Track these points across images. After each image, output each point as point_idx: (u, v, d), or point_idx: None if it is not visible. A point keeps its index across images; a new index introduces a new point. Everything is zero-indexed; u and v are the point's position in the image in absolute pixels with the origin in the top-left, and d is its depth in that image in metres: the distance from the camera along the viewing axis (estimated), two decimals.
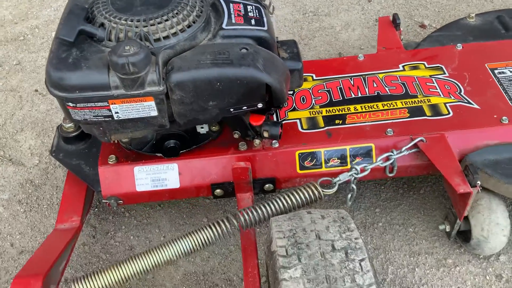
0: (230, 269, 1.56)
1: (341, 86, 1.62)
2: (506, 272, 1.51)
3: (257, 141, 1.38)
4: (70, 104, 1.17)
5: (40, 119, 2.09)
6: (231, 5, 1.33)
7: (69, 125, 1.54)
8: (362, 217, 1.67)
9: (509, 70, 1.63)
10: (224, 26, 1.27)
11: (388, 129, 1.47)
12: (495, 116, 1.49)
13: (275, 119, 1.52)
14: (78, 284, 1.17)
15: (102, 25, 1.20)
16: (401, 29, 1.90)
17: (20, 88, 2.24)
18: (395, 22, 1.86)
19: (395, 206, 1.70)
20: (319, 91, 1.62)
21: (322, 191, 1.33)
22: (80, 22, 1.17)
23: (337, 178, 1.36)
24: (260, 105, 1.23)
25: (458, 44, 1.74)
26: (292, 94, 1.61)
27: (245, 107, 1.23)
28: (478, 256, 1.54)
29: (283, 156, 1.45)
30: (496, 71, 1.63)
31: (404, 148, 1.42)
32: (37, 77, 2.27)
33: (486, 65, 1.65)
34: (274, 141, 1.45)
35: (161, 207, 1.72)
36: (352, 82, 1.64)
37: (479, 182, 1.34)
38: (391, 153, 1.41)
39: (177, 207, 1.72)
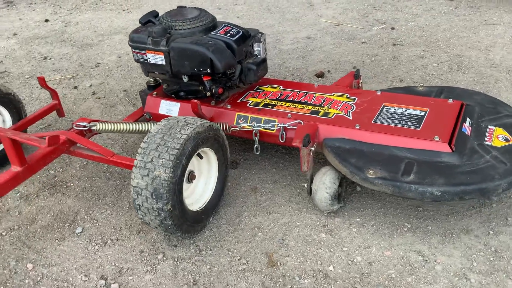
0: None
1: (290, 94, 2.63)
2: (331, 225, 2.23)
3: (208, 93, 2.52)
4: (132, 49, 2.55)
5: None
6: (225, 26, 2.56)
7: (151, 79, 2.93)
8: (276, 178, 2.57)
9: (393, 108, 2.39)
10: (212, 33, 2.50)
11: (289, 114, 2.43)
12: (355, 124, 2.29)
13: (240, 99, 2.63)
14: (97, 125, 2.49)
15: (159, 20, 2.57)
16: (360, 80, 2.79)
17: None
18: (356, 74, 2.78)
19: (299, 179, 2.55)
20: (276, 94, 2.66)
21: (231, 126, 2.40)
22: (150, 16, 2.57)
23: (241, 124, 2.39)
24: (208, 70, 2.39)
25: (378, 91, 2.56)
26: (262, 91, 2.69)
27: (201, 69, 2.41)
28: (324, 213, 2.29)
29: (229, 113, 2.53)
30: (385, 107, 2.41)
31: (287, 123, 2.35)
32: None
33: (383, 103, 2.45)
34: (228, 105, 2.56)
35: None
36: (297, 94, 2.63)
37: (312, 148, 2.20)
38: (278, 123, 2.36)
39: None
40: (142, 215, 2.02)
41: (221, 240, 2.20)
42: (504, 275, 1.92)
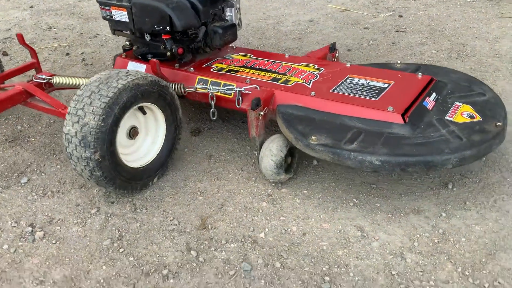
0: None
1: (257, 62, 2.53)
2: (275, 195, 2.11)
3: (168, 53, 2.44)
4: (100, 6, 2.51)
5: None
6: None
7: (127, 42, 2.88)
8: (235, 147, 2.47)
9: (357, 79, 2.25)
10: None
11: (248, 80, 2.32)
12: (311, 92, 2.17)
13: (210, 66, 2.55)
14: (55, 78, 2.46)
15: None
16: (336, 54, 2.65)
17: None
18: (332, 47, 2.64)
19: (251, 149, 2.43)
20: (244, 61, 2.56)
21: (187, 88, 2.32)
22: None
23: (196, 86, 2.31)
24: (167, 28, 2.32)
25: (348, 63, 2.42)
26: (231, 58, 2.60)
27: (161, 27, 2.34)
28: (272, 184, 2.17)
29: (191, 76, 2.45)
30: (349, 78, 2.27)
31: (243, 87, 2.25)
32: None
33: (348, 74, 2.30)
34: (192, 68, 2.48)
35: None
36: (265, 63, 2.52)
37: (261, 112, 2.09)
38: (235, 87, 2.26)
39: None
40: (74, 165, 1.97)
41: (160, 201, 2.12)
42: (445, 258, 1.75)
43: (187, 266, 1.78)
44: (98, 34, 4.22)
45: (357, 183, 2.15)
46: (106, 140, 1.90)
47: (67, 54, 3.80)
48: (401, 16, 4.22)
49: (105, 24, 4.44)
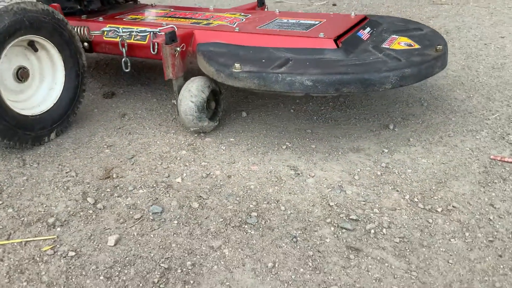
0: None
1: (177, 13, 2.26)
2: (197, 144, 1.81)
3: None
4: None
5: None
6: None
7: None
8: (154, 107, 2.17)
9: (286, 20, 2.04)
10: None
11: (164, 23, 2.05)
12: (234, 29, 1.92)
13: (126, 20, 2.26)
14: None
15: None
16: (265, 7, 2.46)
17: None
18: (261, 1, 2.44)
19: (173, 108, 2.14)
20: (162, 13, 2.29)
21: (92, 32, 2.00)
22: None
23: (103, 30, 2.00)
24: None
25: (277, 10, 2.21)
26: (149, 12, 2.32)
27: None
28: (194, 135, 1.88)
29: (100, 25, 2.14)
30: (277, 19, 2.05)
31: (159, 28, 1.97)
32: None
33: (276, 18, 2.09)
34: (101, 18, 2.18)
35: None
36: (186, 13, 2.26)
37: (178, 48, 1.81)
38: (149, 29, 1.98)
39: None
40: None
41: (56, 156, 1.76)
42: (390, 188, 1.50)
43: (81, 213, 1.42)
44: None
45: (290, 130, 1.89)
46: None
47: None
48: (334, 5, 4.14)
49: None
